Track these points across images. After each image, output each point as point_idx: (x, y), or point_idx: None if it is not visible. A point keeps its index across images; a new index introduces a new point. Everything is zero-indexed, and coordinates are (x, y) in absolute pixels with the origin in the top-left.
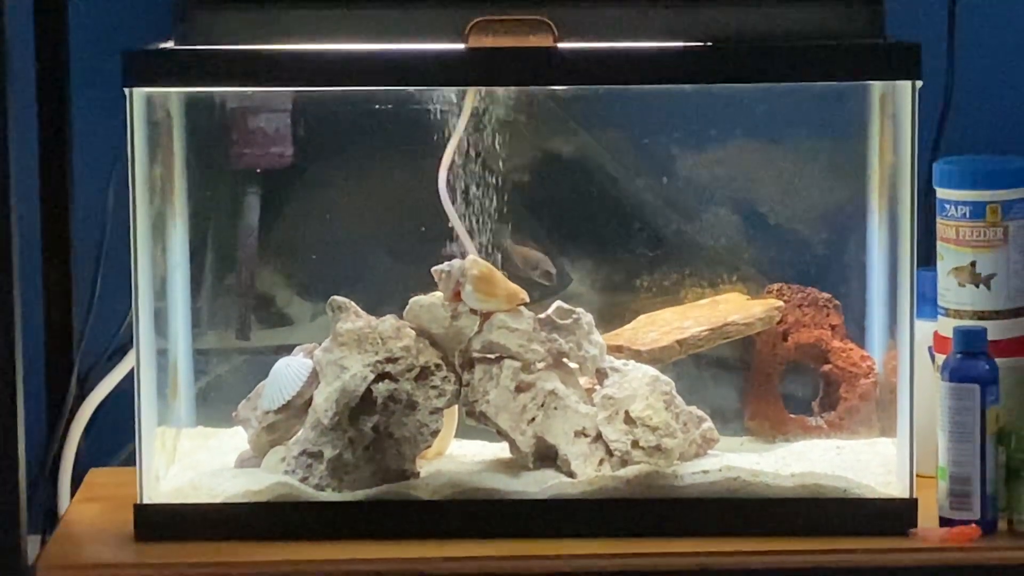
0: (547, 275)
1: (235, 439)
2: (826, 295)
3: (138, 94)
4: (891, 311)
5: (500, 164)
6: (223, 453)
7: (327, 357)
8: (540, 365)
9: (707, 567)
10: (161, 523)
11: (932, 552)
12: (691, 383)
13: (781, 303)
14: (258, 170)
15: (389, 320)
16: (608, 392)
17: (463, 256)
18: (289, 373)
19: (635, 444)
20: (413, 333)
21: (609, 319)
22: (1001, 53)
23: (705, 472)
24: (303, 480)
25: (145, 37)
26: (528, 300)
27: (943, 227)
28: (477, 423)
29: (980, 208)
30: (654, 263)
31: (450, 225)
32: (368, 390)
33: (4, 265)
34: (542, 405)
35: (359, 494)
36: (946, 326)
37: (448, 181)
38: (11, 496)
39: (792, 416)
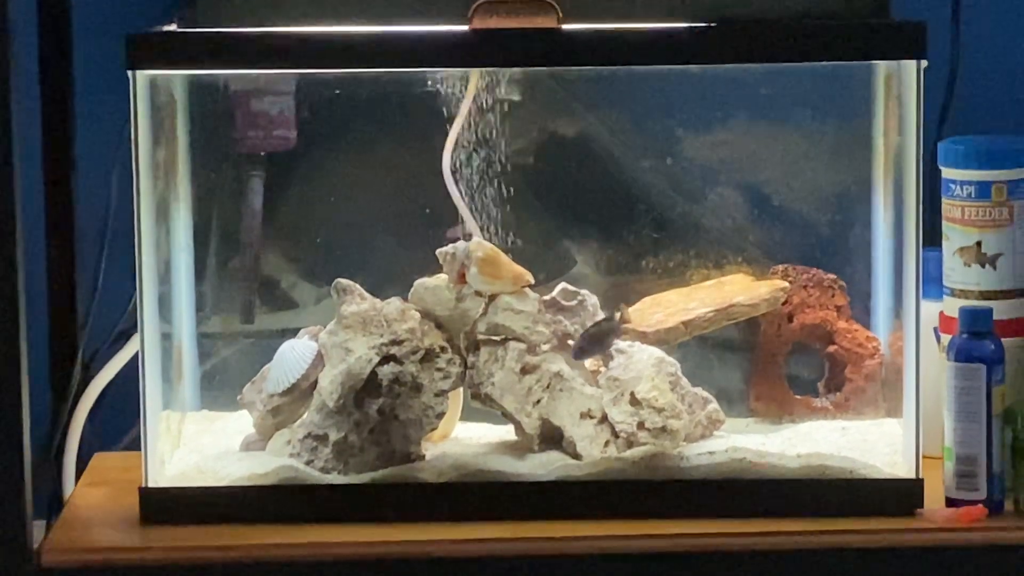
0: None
1: (240, 422)
2: (831, 276)
3: (142, 77)
4: (896, 291)
5: (504, 146)
6: (228, 436)
7: (332, 340)
8: (545, 347)
9: (713, 548)
10: (166, 507)
11: (938, 532)
12: (696, 364)
13: (786, 284)
14: (262, 153)
15: (394, 302)
16: (614, 374)
17: (468, 238)
18: (294, 356)
19: (641, 425)
20: (418, 315)
21: (614, 301)
22: (1006, 32)
23: (711, 453)
24: (308, 463)
25: (149, 19)
26: (533, 282)
27: (949, 207)
28: (482, 405)
29: (986, 188)
30: (659, 245)
31: (456, 207)
32: (373, 372)
33: (8, 249)
34: (547, 387)
35: (364, 477)
36: (952, 306)
37: (452, 163)
38: (16, 480)
39: (798, 397)
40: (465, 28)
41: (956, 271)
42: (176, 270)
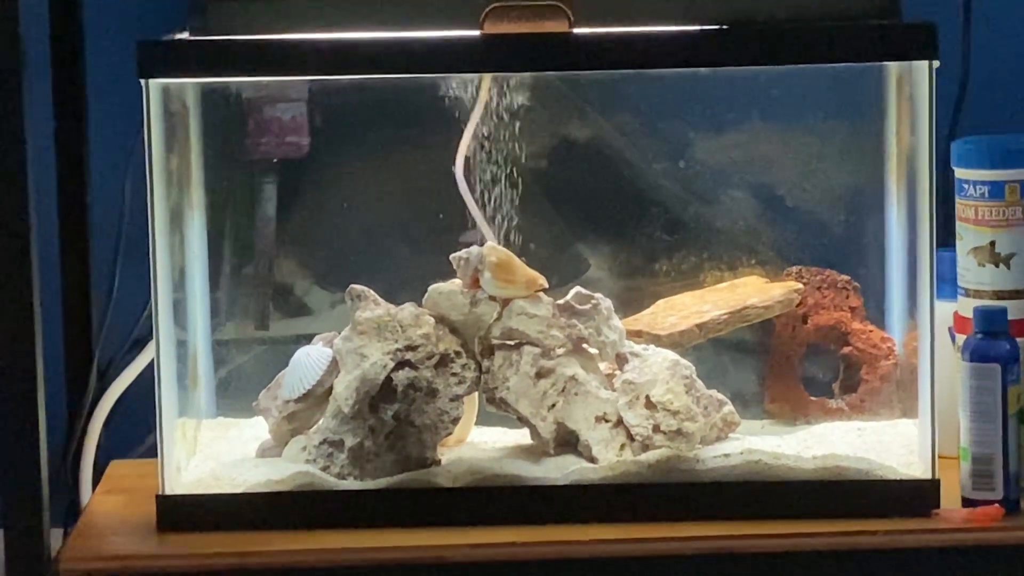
0: None
1: (256, 429)
2: (845, 277)
3: (154, 85)
4: (911, 292)
5: (517, 150)
6: (244, 443)
7: (347, 346)
8: (560, 351)
9: (729, 550)
10: (183, 514)
11: (955, 533)
12: (711, 367)
13: (800, 286)
14: (275, 160)
15: (408, 308)
16: (628, 377)
17: (481, 243)
18: (309, 362)
19: (656, 428)
20: (432, 321)
21: (628, 304)
22: (1018, 31)
23: (726, 456)
24: (324, 469)
25: (161, 27)
26: (547, 286)
27: (962, 207)
28: (497, 410)
29: (999, 187)
30: (672, 247)
31: (469, 212)
32: (388, 378)
33: (23, 258)
34: (562, 391)
35: (380, 482)
36: (966, 306)
37: (465, 168)
38: (33, 489)
39: (813, 398)
40: (476, 33)
41: (970, 271)
42: (191, 277)
